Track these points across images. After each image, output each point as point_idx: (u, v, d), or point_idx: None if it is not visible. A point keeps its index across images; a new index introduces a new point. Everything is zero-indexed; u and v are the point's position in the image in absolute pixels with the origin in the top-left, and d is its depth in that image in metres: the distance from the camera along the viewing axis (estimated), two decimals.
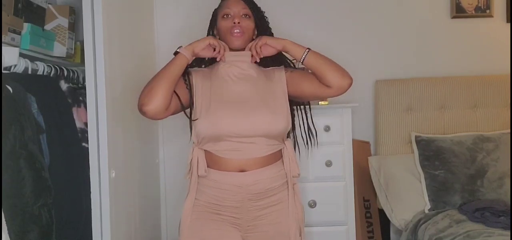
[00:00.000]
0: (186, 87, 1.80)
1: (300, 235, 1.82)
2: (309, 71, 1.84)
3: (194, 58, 1.82)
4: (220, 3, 1.92)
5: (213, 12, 1.95)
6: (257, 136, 1.73)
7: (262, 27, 1.92)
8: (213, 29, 1.93)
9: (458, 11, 2.85)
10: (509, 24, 2.86)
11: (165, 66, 1.76)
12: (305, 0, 2.85)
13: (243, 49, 1.85)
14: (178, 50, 1.78)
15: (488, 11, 2.86)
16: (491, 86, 2.75)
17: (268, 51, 1.84)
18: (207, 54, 1.83)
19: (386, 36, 2.87)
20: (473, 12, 2.86)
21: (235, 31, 1.81)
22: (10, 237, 1.61)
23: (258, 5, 1.93)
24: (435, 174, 2.49)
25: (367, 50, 2.86)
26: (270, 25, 1.99)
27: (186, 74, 1.82)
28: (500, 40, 2.86)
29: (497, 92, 2.75)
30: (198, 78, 1.83)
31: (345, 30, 2.86)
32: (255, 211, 1.76)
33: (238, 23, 1.81)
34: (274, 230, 1.77)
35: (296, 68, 1.95)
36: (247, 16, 1.84)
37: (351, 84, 1.79)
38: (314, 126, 2.01)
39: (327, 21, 2.86)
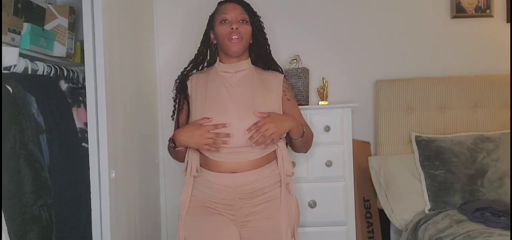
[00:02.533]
0: (187, 103, 1.92)
1: (293, 234, 1.84)
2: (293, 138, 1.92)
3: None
4: (217, 8, 1.93)
5: (209, 16, 1.97)
6: (247, 142, 1.76)
7: (259, 32, 1.94)
8: (209, 33, 1.95)
9: (458, 11, 2.85)
10: (509, 24, 2.86)
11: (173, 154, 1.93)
12: (305, 0, 2.85)
13: (241, 54, 1.88)
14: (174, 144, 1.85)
15: (488, 11, 2.86)
16: (491, 86, 2.75)
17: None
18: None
19: (386, 36, 2.87)
20: (473, 12, 2.86)
21: (234, 37, 1.83)
22: (10, 237, 1.60)
23: (254, 10, 1.95)
24: (435, 174, 2.49)
25: (367, 50, 2.86)
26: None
27: (184, 94, 1.93)
28: (500, 40, 2.86)
29: (497, 92, 2.74)
30: (193, 85, 1.88)
31: (345, 30, 2.86)
32: (248, 207, 1.80)
33: (236, 29, 1.82)
34: (266, 225, 1.80)
35: (289, 90, 2.00)
36: (245, 21, 1.86)
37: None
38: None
39: (327, 21, 2.85)
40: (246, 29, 1.86)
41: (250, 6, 1.92)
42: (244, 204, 1.79)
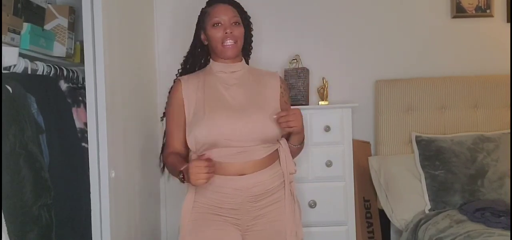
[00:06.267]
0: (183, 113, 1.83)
1: (297, 234, 1.83)
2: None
3: None
4: (207, 9, 1.86)
5: (198, 17, 1.90)
6: (253, 140, 1.76)
7: (248, 33, 1.91)
8: (200, 34, 1.90)
9: (459, 11, 2.85)
10: (509, 24, 2.86)
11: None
12: (305, 0, 2.85)
13: (235, 57, 1.85)
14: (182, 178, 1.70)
15: (488, 11, 2.86)
16: (491, 86, 2.75)
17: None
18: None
19: (386, 36, 2.87)
20: (474, 12, 2.86)
21: (228, 42, 1.78)
22: (10, 237, 1.61)
23: (245, 10, 1.91)
24: (435, 174, 2.49)
25: (367, 50, 2.86)
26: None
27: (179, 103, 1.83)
28: (500, 40, 2.86)
29: (497, 92, 2.75)
30: (189, 88, 1.82)
31: (345, 30, 2.86)
32: (254, 211, 1.78)
33: (231, 33, 1.78)
34: (271, 228, 1.79)
35: (287, 92, 1.96)
36: (237, 23, 1.82)
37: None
38: None
39: (327, 21, 2.85)
40: (240, 31, 1.82)
41: (241, 6, 1.88)
42: (251, 208, 1.77)
